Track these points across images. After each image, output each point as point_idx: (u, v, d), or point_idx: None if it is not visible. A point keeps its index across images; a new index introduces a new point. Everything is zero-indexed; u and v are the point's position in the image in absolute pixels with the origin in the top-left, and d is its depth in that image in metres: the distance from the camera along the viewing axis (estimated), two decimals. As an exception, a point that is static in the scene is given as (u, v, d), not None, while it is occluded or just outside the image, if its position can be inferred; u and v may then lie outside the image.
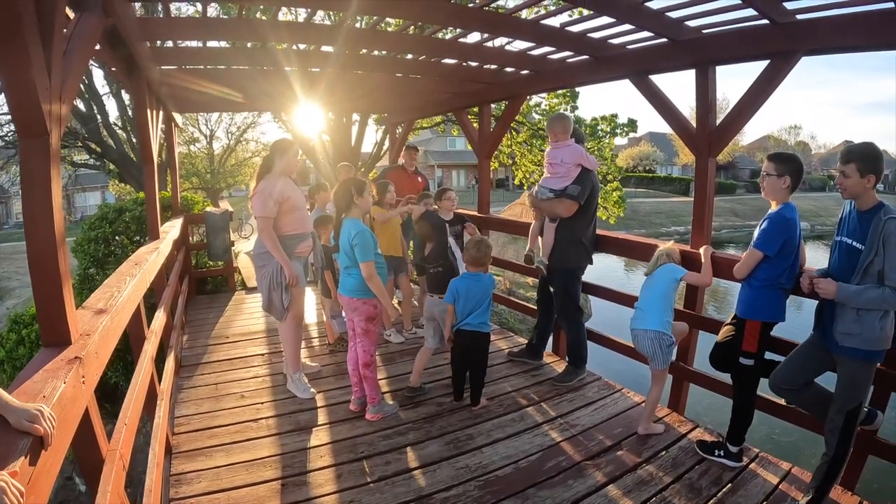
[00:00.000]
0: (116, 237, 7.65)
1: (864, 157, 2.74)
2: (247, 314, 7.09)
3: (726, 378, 3.62)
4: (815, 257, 3.35)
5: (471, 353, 4.23)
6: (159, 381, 3.72)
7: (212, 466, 3.42)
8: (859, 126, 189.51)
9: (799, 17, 3.43)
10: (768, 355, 3.40)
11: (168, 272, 5.64)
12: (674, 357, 4.01)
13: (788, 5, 3.35)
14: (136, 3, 3.90)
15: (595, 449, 3.70)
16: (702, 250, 3.91)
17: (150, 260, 3.95)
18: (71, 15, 2.64)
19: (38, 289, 1.94)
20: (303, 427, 3.98)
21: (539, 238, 4.92)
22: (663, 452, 3.65)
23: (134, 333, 3.56)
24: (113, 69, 4.87)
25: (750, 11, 3.43)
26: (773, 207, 3.23)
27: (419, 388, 4.58)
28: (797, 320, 3.80)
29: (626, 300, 4.66)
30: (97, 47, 3.52)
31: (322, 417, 4.14)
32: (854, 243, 2.80)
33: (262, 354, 5.49)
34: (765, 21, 3.49)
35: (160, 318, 4.27)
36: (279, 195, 4.23)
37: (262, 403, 4.35)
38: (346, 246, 3.87)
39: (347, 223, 3.91)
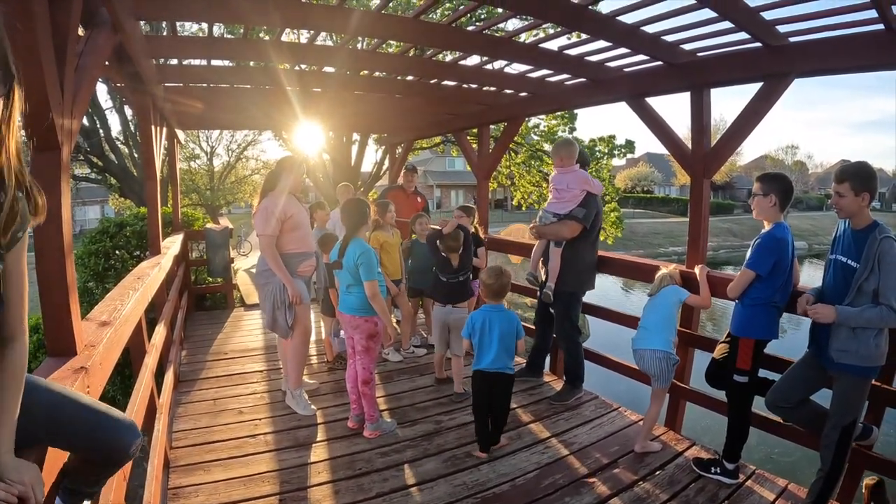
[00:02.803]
0: (117, 251, 7.68)
1: (857, 176, 2.80)
2: (245, 331, 7.09)
3: (722, 396, 3.64)
4: (814, 276, 3.39)
5: (493, 398, 3.88)
6: (158, 395, 3.73)
7: (210, 481, 3.42)
8: (855, 145, 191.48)
9: (791, 39, 3.52)
10: (763, 373, 3.44)
11: (168, 287, 5.66)
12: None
13: (781, 28, 3.43)
14: (142, 21, 3.97)
15: (592, 467, 3.70)
16: (697, 270, 3.95)
17: (151, 275, 3.97)
18: (81, 32, 2.70)
19: (46, 299, 1.97)
20: (301, 443, 3.98)
21: (540, 261, 4.96)
22: (660, 470, 3.66)
23: (135, 347, 3.58)
24: (119, 85, 4.93)
25: (743, 35, 3.51)
26: (766, 227, 3.29)
27: (464, 392, 4.75)
28: (793, 337, 3.83)
29: (625, 320, 4.70)
30: (105, 63, 3.59)
31: (320, 434, 4.14)
32: (849, 261, 2.85)
33: (261, 371, 5.49)
34: (758, 44, 3.57)
35: (161, 332, 4.30)
36: (282, 213, 4.22)
37: (261, 419, 4.35)
38: (350, 265, 3.91)
39: (353, 242, 3.95)
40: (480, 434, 3.91)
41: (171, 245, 5.98)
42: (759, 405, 3.44)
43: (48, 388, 1.50)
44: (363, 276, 3.83)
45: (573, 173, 4.60)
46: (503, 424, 3.99)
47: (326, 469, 3.63)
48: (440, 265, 4.90)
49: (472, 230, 5.45)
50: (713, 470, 3.53)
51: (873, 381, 2.92)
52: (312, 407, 4.51)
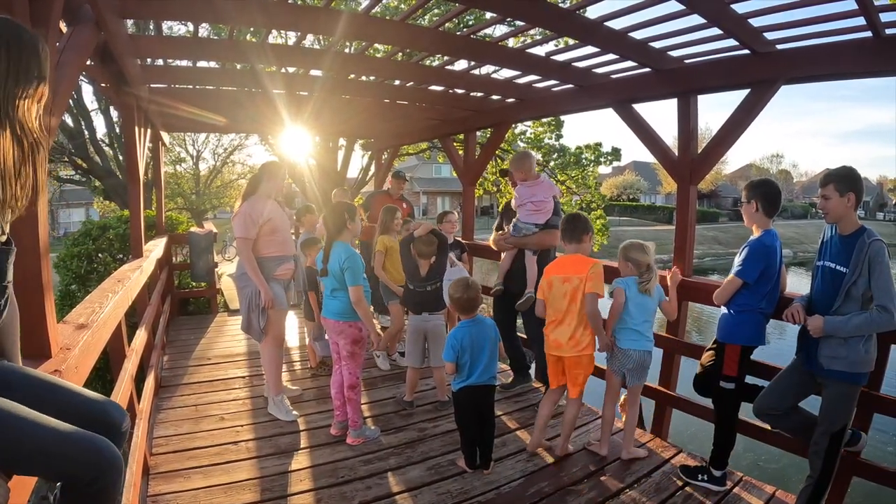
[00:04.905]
0: (99, 254, 7.60)
1: (841, 177, 2.83)
2: (229, 336, 7.01)
3: (709, 403, 3.63)
4: (798, 284, 3.40)
5: (482, 411, 3.72)
6: (138, 400, 3.66)
7: (190, 488, 3.35)
8: (840, 154, 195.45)
9: (779, 47, 3.54)
10: (750, 380, 3.44)
11: (151, 291, 5.58)
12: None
13: (769, 35, 3.46)
14: (127, 20, 3.93)
15: (578, 475, 3.67)
16: (668, 276, 3.94)
17: (132, 278, 3.91)
18: (64, 28, 2.66)
19: (19, 300, 1.91)
20: (283, 451, 3.92)
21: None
22: (646, 478, 3.64)
23: (114, 351, 3.51)
24: (103, 85, 4.87)
25: (731, 42, 3.53)
26: (755, 234, 3.29)
27: (411, 402, 4.72)
28: (779, 344, 3.84)
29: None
30: (88, 62, 3.53)
31: (303, 441, 4.09)
32: (837, 267, 2.85)
33: (244, 377, 5.42)
34: (746, 51, 3.59)
35: (141, 336, 4.23)
36: (260, 217, 4.20)
37: (242, 426, 4.29)
38: (335, 269, 3.86)
39: (338, 247, 3.90)
40: (470, 449, 3.74)
41: (154, 248, 5.91)
42: (745, 412, 3.43)
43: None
44: (348, 280, 3.78)
45: (541, 184, 4.68)
46: (492, 443, 3.78)
47: (309, 477, 3.57)
48: (409, 272, 4.75)
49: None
50: (700, 477, 3.51)
51: (862, 388, 2.92)
52: (294, 413, 4.46)
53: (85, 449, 1.44)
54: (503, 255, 5.02)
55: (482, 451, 3.74)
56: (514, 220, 4.77)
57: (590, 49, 4.18)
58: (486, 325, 3.72)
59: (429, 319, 4.67)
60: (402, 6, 10.28)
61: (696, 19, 3.35)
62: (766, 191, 3.30)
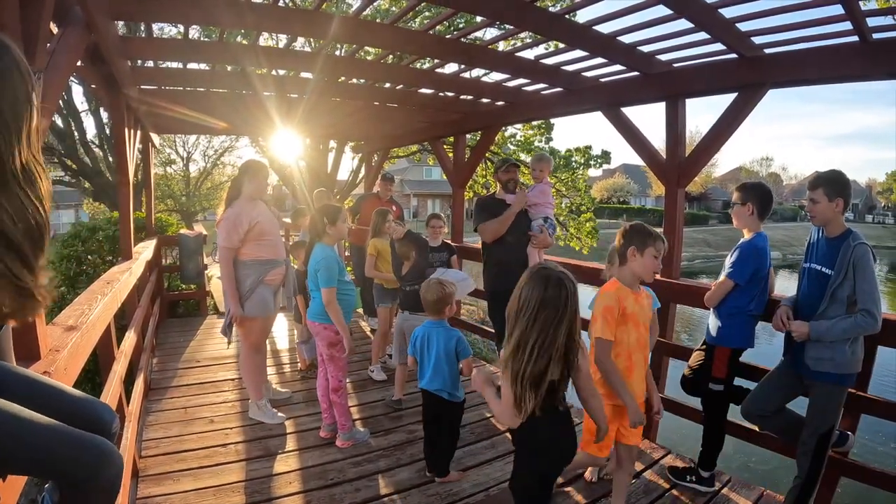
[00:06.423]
0: (89, 256, 7.54)
1: (830, 182, 2.85)
2: (218, 339, 6.96)
3: (697, 404, 3.65)
4: (787, 287, 3.42)
5: (441, 419, 3.62)
6: (128, 402, 3.65)
7: (179, 491, 3.35)
8: (829, 157, 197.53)
9: (767, 51, 3.58)
10: (738, 382, 3.46)
11: (140, 293, 5.56)
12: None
13: (756, 40, 3.49)
14: (118, 22, 3.92)
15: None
16: None
17: (122, 280, 3.89)
18: (55, 30, 2.65)
19: (9, 302, 1.91)
20: (272, 453, 3.92)
21: None
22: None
23: (104, 353, 3.49)
24: (93, 86, 4.86)
25: (719, 46, 3.56)
26: (746, 236, 3.32)
27: (399, 401, 4.77)
28: (767, 346, 3.87)
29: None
30: (79, 63, 3.52)
31: (292, 444, 4.08)
32: (823, 269, 2.88)
33: (233, 379, 5.40)
34: (733, 55, 3.63)
35: (130, 338, 4.20)
36: (247, 223, 4.10)
37: (232, 428, 4.28)
38: (311, 271, 3.88)
39: (316, 248, 3.92)
40: (426, 453, 3.74)
41: (144, 250, 5.88)
42: (734, 413, 3.45)
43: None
44: (321, 282, 3.78)
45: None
46: (448, 452, 3.67)
47: (298, 479, 3.57)
48: (395, 271, 4.95)
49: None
50: (688, 478, 3.53)
51: (849, 389, 2.95)
52: (280, 415, 4.46)
53: (82, 447, 1.44)
54: (532, 255, 4.81)
55: (439, 455, 3.67)
56: (545, 217, 4.77)
57: (579, 53, 4.21)
58: (442, 333, 3.56)
59: (408, 318, 4.77)
60: (394, 8, 10.28)
61: (683, 23, 3.38)
62: (760, 192, 3.33)
